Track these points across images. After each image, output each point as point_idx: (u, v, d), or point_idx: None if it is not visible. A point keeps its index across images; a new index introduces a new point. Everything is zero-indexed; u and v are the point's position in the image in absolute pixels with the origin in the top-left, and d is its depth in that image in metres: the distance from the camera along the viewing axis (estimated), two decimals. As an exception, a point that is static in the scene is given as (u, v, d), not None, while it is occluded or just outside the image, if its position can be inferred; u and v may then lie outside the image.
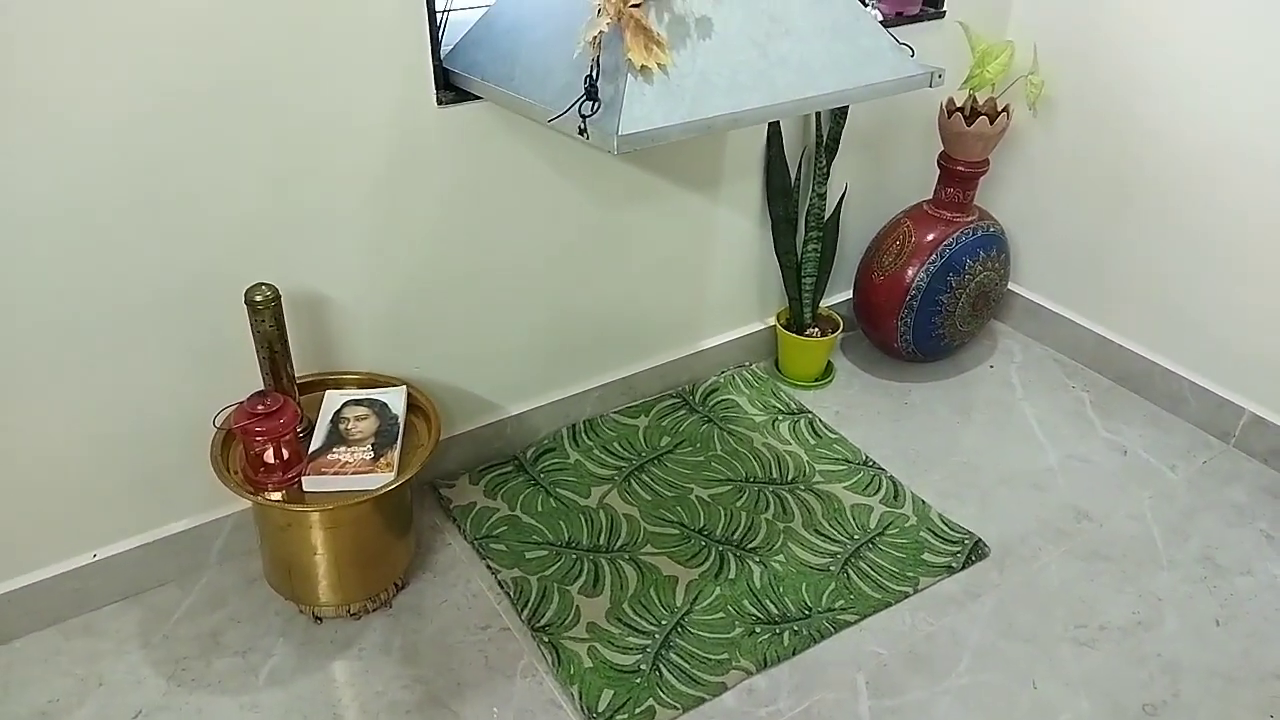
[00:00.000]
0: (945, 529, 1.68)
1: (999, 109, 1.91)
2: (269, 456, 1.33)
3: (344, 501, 1.32)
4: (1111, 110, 1.95)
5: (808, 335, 2.06)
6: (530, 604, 1.51)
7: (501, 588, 1.54)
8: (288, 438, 1.32)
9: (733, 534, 1.66)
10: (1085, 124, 2.01)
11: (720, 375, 2.08)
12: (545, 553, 1.61)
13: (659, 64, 1.17)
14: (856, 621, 1.50)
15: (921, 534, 1.67)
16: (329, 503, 1.32)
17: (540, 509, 1.70)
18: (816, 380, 2.09)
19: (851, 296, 2.18)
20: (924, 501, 1.74)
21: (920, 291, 1.97)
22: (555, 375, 1.85)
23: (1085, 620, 1.53)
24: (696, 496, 1.75)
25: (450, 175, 1.51)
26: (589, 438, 1.88)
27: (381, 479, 1.34)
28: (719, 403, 2.00)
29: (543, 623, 1.48)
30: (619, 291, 1.84)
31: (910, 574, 1.59)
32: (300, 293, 1.46)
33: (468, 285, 1.63)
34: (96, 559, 1.46)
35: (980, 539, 1.66)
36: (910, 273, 1.98)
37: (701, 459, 1.84)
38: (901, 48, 1.38)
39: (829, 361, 2.13)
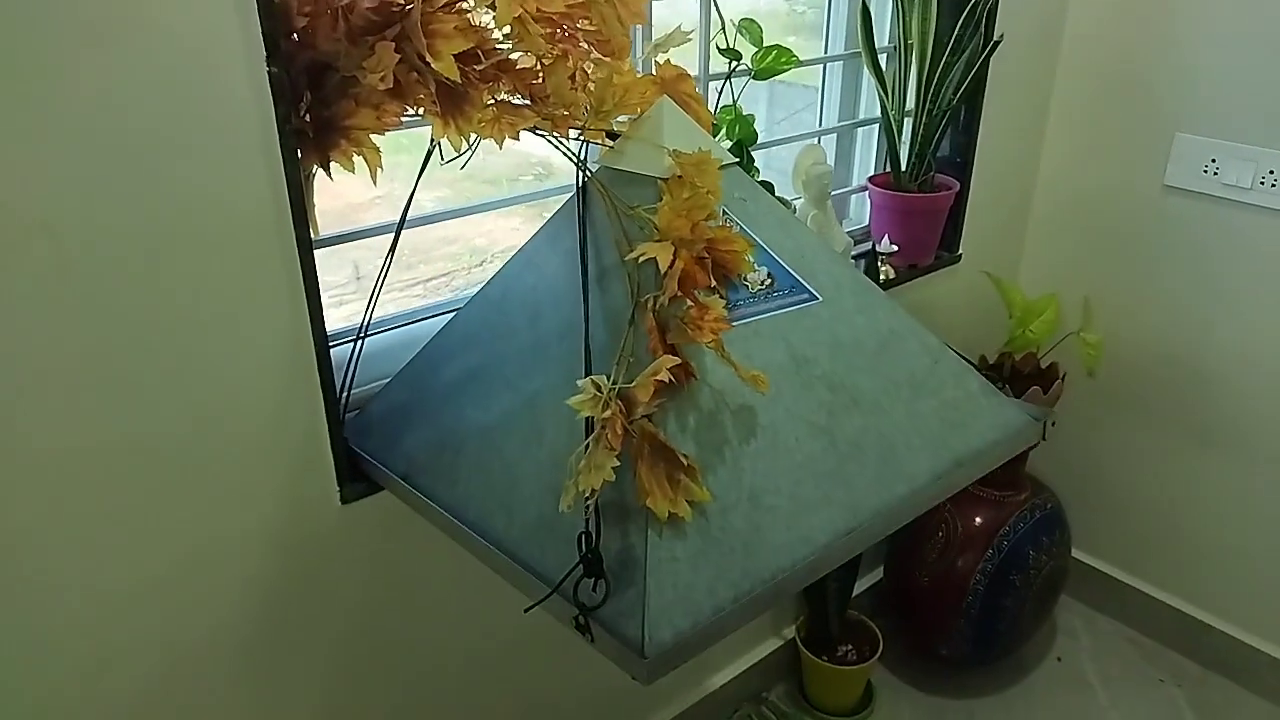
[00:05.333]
0: None
1: (1052, 372, 1.57)
2: None
3: None
4: (1172, 355, 1.63)
5: (841, 657, 1.62)
6: None
7: None
8: None
9: None
10: (1142, 371, 1.68)
11: (734, 717, 1.61)
12: None
13: (690, 502, 0.75)
14: None
15: None
16: None
17: None
18: (854, 712, 1.64)
19: (882, 580, 1.77)
20: None
21: (978, 596, 1.57)
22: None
23: None
24: None
25: (361, 586, 1.05)
26: None
27: None
28: (740, 768, 1.53)
29: None
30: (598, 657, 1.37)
31: None
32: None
33: (393, 710, 1.14)
34: None
35: None
36: (962, 570, 1.57)
37: None
38: (991, 388, 1.00)
39: (868, 681, 1.69)
